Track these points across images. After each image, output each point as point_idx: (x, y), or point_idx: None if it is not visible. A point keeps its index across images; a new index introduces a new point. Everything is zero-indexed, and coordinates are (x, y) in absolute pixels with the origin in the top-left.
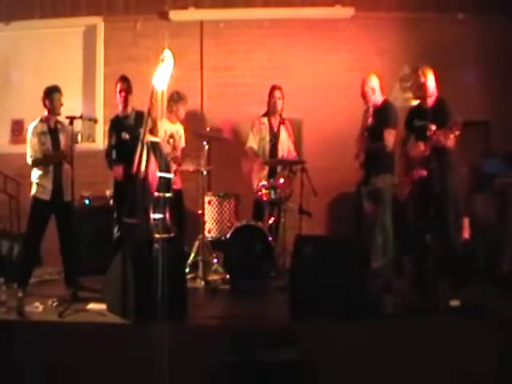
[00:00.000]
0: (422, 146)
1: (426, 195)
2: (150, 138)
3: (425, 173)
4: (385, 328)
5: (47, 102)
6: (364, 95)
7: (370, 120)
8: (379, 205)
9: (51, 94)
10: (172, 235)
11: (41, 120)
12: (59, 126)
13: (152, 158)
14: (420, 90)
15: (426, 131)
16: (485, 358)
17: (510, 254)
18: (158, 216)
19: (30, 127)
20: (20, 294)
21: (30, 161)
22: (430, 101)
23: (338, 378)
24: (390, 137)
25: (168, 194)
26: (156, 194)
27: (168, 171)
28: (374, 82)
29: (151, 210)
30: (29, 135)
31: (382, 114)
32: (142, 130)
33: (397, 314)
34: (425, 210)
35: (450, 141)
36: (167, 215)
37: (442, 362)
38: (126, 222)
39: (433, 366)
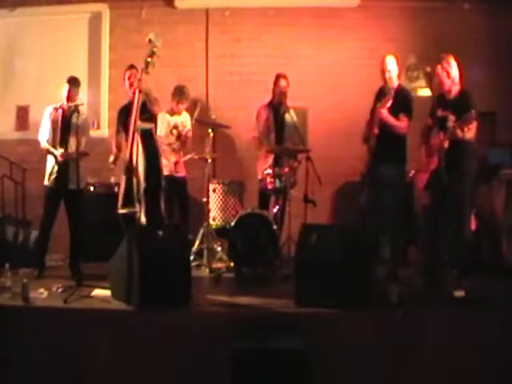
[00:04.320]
0: (441, 136)
1: (442, 185)
2: (139, 125)
3: (442, 163)
4: (389, 316)
5: (64, 92)
6: (383, 74)
7: (389, 102)
8: (387, 193)
9: (67, 84)
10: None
11: (55, 108)
12: (73, 116)
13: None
14: (440, 79)
15: (446, 122)
16: (488, 348)
17: None
18: (149, 206)
19: (47, 110)
20: (25, 280)
21: (40, 138)
22: (454, 91)
23: (342, 366)
24: (403, 123)
25: (158, 183)
26: (145, 183)
27: (158, 159)
28: (394, 63)
29: (143, 200)
30: (45, 118)
31: (401, 98)
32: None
33: (401, 303)
34: (440, 199)
35: (468, 133)
36: (161, 204)
37: (444, 351)
38: (120, 213)
39: (435, 355)
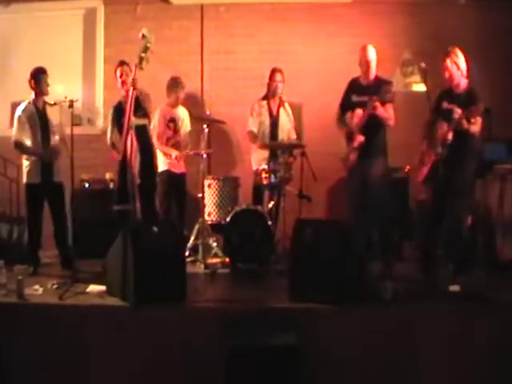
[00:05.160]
0: (445, 126)
1: (442, 177)
2: (134, 121)
3: (443, 154)
4: (384, 312)
5: (34, 84)
6: (368, 64)
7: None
8: (377, 188)
9: (38, 76)
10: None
11: (29, 103)
12: (47, 108)
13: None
14: (450, 72)
15: (452, 114)
16: (483, 344)
17: (510, 240)
18: (143, 202)
19: (19, 109)
20: (19, 277)
21: (14, 141)
22: (462, 85)
23: (336, 362)
24: (392, 114)
25: (152, 179)
26: (139, 179)
27: (152, 155)
28: (374, 53)
29: (138, 196)
30: (16, 117)
31: (385, 88)
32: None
33: (396, 299)
34: (439, 192)
35: (474, 126)
36: (156, 200)
37: (440, 346)
38: (115, 209)
39: (430, 350)
